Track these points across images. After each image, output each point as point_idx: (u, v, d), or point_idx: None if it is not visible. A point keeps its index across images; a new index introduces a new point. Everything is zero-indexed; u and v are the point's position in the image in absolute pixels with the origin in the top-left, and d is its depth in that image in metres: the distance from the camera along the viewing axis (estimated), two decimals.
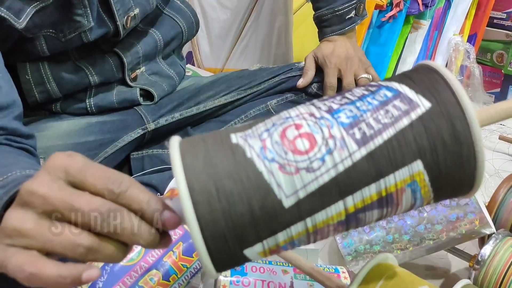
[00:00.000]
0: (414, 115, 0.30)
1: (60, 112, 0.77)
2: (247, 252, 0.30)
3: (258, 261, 0.56)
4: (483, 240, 0.64)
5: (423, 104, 0.30)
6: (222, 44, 1.29)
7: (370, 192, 0.30)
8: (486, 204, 0.68)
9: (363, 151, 0.29)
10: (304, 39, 1.23)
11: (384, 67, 1.17)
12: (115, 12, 0.68)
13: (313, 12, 0.93)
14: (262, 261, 0.56)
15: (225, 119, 0.85)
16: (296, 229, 0.30)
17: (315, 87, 0.89)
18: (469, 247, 0.70)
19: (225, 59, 1.30)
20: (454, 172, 0.30)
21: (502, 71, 1.36)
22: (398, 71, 1.22)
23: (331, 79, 0.86)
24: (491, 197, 0.67)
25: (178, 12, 0.86)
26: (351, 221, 0.31)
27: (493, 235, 0.58)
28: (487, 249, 0.56)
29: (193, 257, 0.53)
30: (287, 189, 0.29)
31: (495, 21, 1.36)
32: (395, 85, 0.32)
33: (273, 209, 0.29)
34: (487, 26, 1.34)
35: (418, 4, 1.13)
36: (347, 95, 0.32)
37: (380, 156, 0.29)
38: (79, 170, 0.31)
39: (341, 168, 0.29)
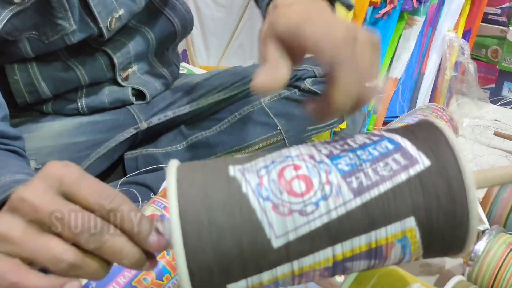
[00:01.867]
0: (412, 171, 0.30)
1: (51, 113, 0.76)
2: (230, 286, 0.30)
3: None
4: (477, 236, 0.64)
5: (423, 161, 0.30)
6: (216, 42, 1.29)
7: (360, 242, 0.30)
8: (480, 200, 0.68)
9: (358, 201, 0.29)
10: None
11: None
12: (96, 14, 0.67)
13: None
14: None
15: (219, 117, 0.84)
16: (282, 270, 0.30)
17: (309, 83, 0.83)
18: None
19: (220, 57, 1.30)
20: (445, 232, 0.31)
21: (497, 66, 1.37)
22: (392, 68, 1.22)
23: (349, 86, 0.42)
24: (485, 193, 0.67)
25: (172, 9, 0.85)
26: (338, 268, 0.31)
27: (487, 231, 0.58)
28: (480, 245, 0.56)
29: None
30: (278, 230, 0.29)
31: (489, 16, 1.36)
32: (398, 138, 0.32)
33: (262, 248, 0.29)
34: (481, 21, 1.34)
35: (412, 0, 1.13)
36: (348, 141, 0.33)
37: (375, 208, 0.29)
38: (73, 182, 0.31)
39: (334, 215, 0.29)
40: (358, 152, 0.31)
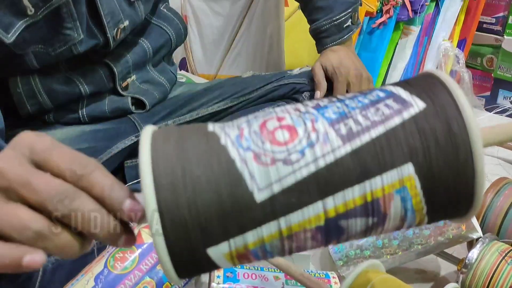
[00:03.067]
0: (406, 115, 0.27)
1: (54, 122, 0.78)
2: (212, 252, 0.27)
3: (249, 268, 0.57)
4: (471, 244, 0.65)
5: (417, 104, 0.28)
6: (215, 51, 1.30)
7: (353, 194, 0.27)
8: None
9: (348, 148, 0.27)
10: (296, 46, 1.24)
11: (375, 72, 1.18)
12: (106, 24, 0.69)
13: (305, 19, 0.94)
14: (254, 268, 0.57)
15: None
16: (269, 229, 0.27)
17: (307, 96, 0.90)
18: (458, 250, 0.71)
19: (219, 65, 1.32)
20: (449, 180, 0.27)
21: (492, 75, 1.38)
22: (389, 77, 1.23)
23: (341, 93, 0.87)
24: None
25: (165, 20, 0.88)
26: (331, 228, 0.27)
27: (480, 239, 0.59)
28: (474, 253, 0.57)
29: None
30: (261, 181, 0.26)
31: (484, 26, 1.38)
32: (390, 87, 0.30)
33: (243, 202, 0.26)
34: (476, 30, 1.36)
35: (408, 10, 1.14)
36: (339, 96, 0.30)
37: (367, 155, 0.27)
38: (45, 149, 0.29)
39: (322, 163, 0.26)
40: (347, 102, 0.29)
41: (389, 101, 0.28)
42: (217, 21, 1.27)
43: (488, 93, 1.43)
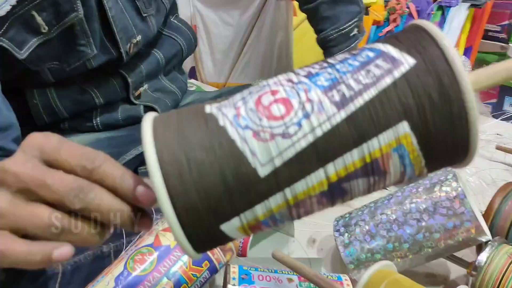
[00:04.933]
0: (397, 73, 0.28)
1: (69, 130, 0.80)
2: (225, 227, 0.29)
3: (264, 270, 0.58)
4: (480, 248, 0.66)
5: (407, 62, 0.28)
6: (224, 60, 1.32)
7: (352, 158, 0.28)
8: (483, 212, 0.70)
9: (343, 114, 0.27)
10: (304, 54, 1.26)
11: None
12: (119, 40, 0.71)
13: (312, 28, 0.96)
14: (268, 270, 0.58)
15: None
16: (275, 200, 0.28)
17: None
18: (468, 254, 0.72)
19: (228, 74, 1.34)
20: (444, 133, 0.28)
21: None
22: None
23: None
24: (487, 206, 0.69)
25: (176, 31, 0.90)
26: (335, 191, 0.29)
27: (489, 242, 0.60)
28: (483, 256, 0.58)
29: (202, 267, 0.55)
30: (262, 157, 0.27)
31: (489, 33, 1.40)
32: (379, 45, 0.30)
33: (248, 179, 0.27)
34: (482, 38, 1.38)
35: (414, 19, 1.16)
36: (329, 60, 0.30)
37: (362, 119, 0.27)
38: (53, 148, 0.31)
39: (319, 132, 0.27)
40: (338, 66, 0.29)
41: (379, 61, 0.28)
42: (226, 30, 1.29)
43: (494, 100, 1.44)
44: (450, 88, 0.27)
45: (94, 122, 0.80)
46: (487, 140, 1.16)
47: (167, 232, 0.55)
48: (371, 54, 0.29)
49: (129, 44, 0.74)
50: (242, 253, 0.70)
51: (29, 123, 0.75)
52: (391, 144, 0.28)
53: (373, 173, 0.28)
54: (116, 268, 0.52)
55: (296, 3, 1.09)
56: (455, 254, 0.70)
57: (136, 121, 0.83)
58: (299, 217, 0.30)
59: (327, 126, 0.27)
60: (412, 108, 0.27)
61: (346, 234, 0.66)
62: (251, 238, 0.68)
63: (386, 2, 1.14)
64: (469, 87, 0.27)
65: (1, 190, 0.31)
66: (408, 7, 1.14)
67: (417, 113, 0.27)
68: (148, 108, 0.84)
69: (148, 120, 0.30)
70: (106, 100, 0.78)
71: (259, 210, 0.28)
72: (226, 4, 1.26)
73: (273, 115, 0.28)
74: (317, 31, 0.94)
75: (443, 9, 1.23)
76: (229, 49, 1.31)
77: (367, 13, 1.11)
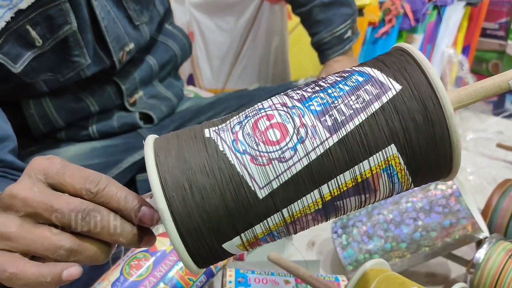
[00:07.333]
0: (385, 98, 0.29)
1: (65, 139, 0.80)
2: (226, 246, 0.30)
3: (260, 273, 0.58)
4: (479, 245, 0.66)
5: (394, 87, 0.30)
6: (221, 66, 1.33)
7: (345, 179, 0.29)
8: (481, 210, 0.70)
9: (335, 138, 0.29)
10: (300, 58, 1.26)
11: None
12: (112, 48, 0.72)
13: (306, 31, 0.96)
14: (265, 273, 0.58)
15: None
16: (273, 220, 0.30)
17: None
18: (468, 253, 0.72)
19: (225, 80, 1.34)
20: (429, 154, 0.30)
21: None
22: None
23: None
24: (486, 203, 0.69)
25: (170, 36, 0.90)
26: (329, 209, 0.30)
27: (487, 239, 0.60)
28: (481, 253, 0.58)
29: None
30: (260, 180, 0.29)
31: (487, 31, 1.39)
32: (367, 69, 0.32)
33: (248, 201, 0.29)
34: (480, 36, 1.37)
35: (410, 19, 1.16)
36: (320, 82, 0.32)
37: (353, 143, 0.29)
38: (57, 172, 0.32)
39: (313, 156, 0.29)
40: (329, 91, 0.31)
41: (368, 86, 0.30)
42: (222, 37, 1.30)
43: (495, 98, 1.43)
44: (433, 113, 0.29)
45: (90, 130, 0.80)
46: (487, 138, 1.16)
47: (162, 237, 0.55)
48: (360, 79, 0.31)
49: (121, 53, 0.74)
50: (240, 257, 0.70)
51: (26, 134, 0.76)
52: (380, 165, 0.30)
53: (364, 191, 0.30)
54: (113, 274, 0.52)
55: (290, 7, 1.10)
56: (455, 253, 0.70)
57: (132, 128, 0.83)
58: (295, 232, 0.32)
59: (320, 150, 0.29)
60: (399, 131, 0.29)
61: (344, 236, 0.66)
62: None
63: (381, 3, 1.15)
64: (451, 111, 0.29)
65: (10, 214, 0.32)
66: (403, 8, 1.14)
67: (403, 136, 0.29)
68: (144, 115, 0.85)
69: (149, 145, 0.31)
70: (101, 107, 0.79)
71: (258, 229, 0.30)
72: (221, 10, 1.26)
73: (270, 140, 0.29)
74: (311, 35, 0.94)
75: (439, 9, 1.23)
76: (226, 55, 1.31)
77: (361, 15, 1.12)
